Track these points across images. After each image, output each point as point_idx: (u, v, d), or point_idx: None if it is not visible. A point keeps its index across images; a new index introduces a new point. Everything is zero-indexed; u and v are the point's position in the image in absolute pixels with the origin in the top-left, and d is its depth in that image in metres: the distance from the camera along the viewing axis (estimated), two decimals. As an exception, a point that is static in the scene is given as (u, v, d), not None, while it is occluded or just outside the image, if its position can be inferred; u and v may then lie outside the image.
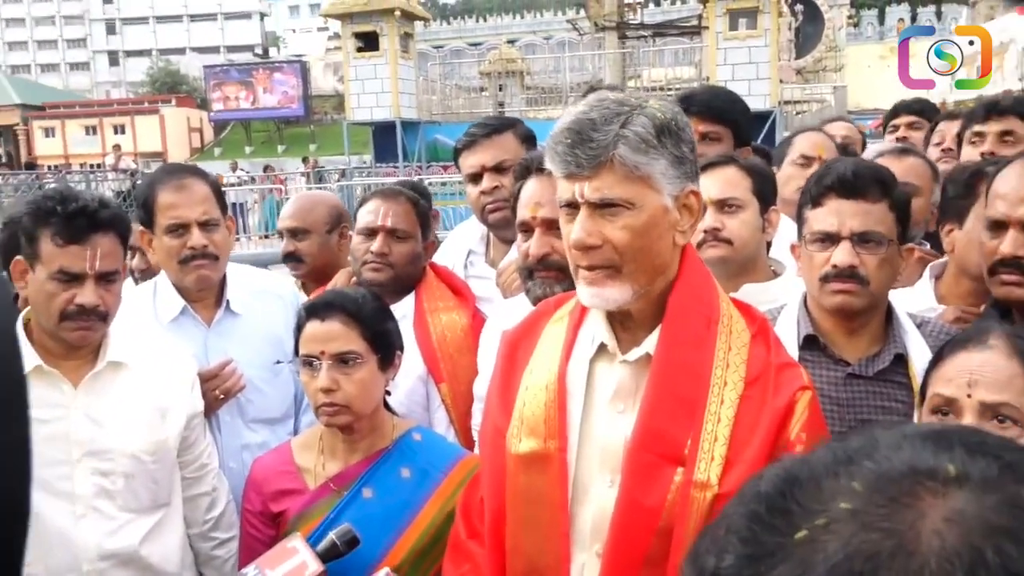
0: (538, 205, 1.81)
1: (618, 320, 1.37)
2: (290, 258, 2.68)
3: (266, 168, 22.64)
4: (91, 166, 26.18)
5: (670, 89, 17.73)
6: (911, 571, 0.40)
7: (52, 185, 13.33)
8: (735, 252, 1.98)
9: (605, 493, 1.32)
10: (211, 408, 2.07)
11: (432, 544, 1.73)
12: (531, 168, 1.86)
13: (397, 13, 19.06)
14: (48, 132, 37.91)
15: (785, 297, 1.83)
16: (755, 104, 16.41)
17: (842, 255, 1.62)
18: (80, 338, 1.79)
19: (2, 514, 0.46)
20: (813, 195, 1.70)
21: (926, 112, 3.67)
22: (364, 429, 1.81)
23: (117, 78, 62.27)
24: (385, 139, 19.98)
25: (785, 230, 2.14)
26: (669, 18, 29.17)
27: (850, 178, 1.64)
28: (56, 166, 29.91)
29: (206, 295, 2.19)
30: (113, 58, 63.79)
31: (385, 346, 1.82)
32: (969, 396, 1.34)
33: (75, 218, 1.73)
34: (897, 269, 1.69)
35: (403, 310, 2.07)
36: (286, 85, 34.91)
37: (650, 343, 1.34)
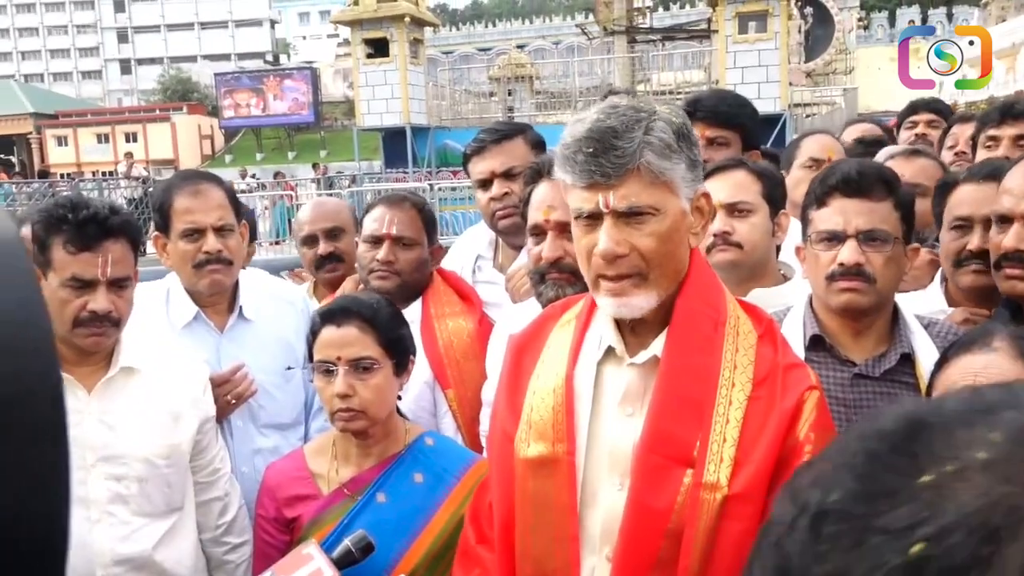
0: (551, 208, 1.82)
1: (626, 323, 1.37)
2: (330, 259, 2.63)
3: (276, 175, 22.73)
4: (103, 174, 26.36)
5: (679, 93, 17.73)
6: None
7: (65, 193, 13.43)
8: (745, 256, 1.98)
9: (614, 496, 1.32)
10: (223, 413, 2.08)
11: (446, 548, 1.73)
12: (542, 172, 1.86)
13: (407, 19, 19.16)
14: (61, 140, 38.20)
15: (795, 301, 1.83)
16: (765, 107, 16.45)
17: (848, 253, 1.63)
18: (93, 344, 1.81)
19: (49, 537, 0.46)
20: (818, 195, 1.70)
21: (943, 112, 3.63)
22: (378, 434, 1.82)
23: (129, 86, 62.65)
24: (395, 145, 20.07)
25: (795, 233, 2.13)
26: (678, 22, 29.19)
27: (855, 177, 1.65)
28: (69, 174, 30.17)
29: (219, 300, 2.20)
30: (125, 66, 64.19)
31: (400, 351, 1.83)
32: None
33: (86, 225, 1.75)
34: (903, 268, 1.69)
35: (410, 316, 2.08)
36: (296, 92, 35.09)
37: (658, 345, 1.34)
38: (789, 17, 17.63)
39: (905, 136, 3.55)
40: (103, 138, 37.78)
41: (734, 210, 1.99)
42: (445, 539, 1.75)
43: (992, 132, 2.66)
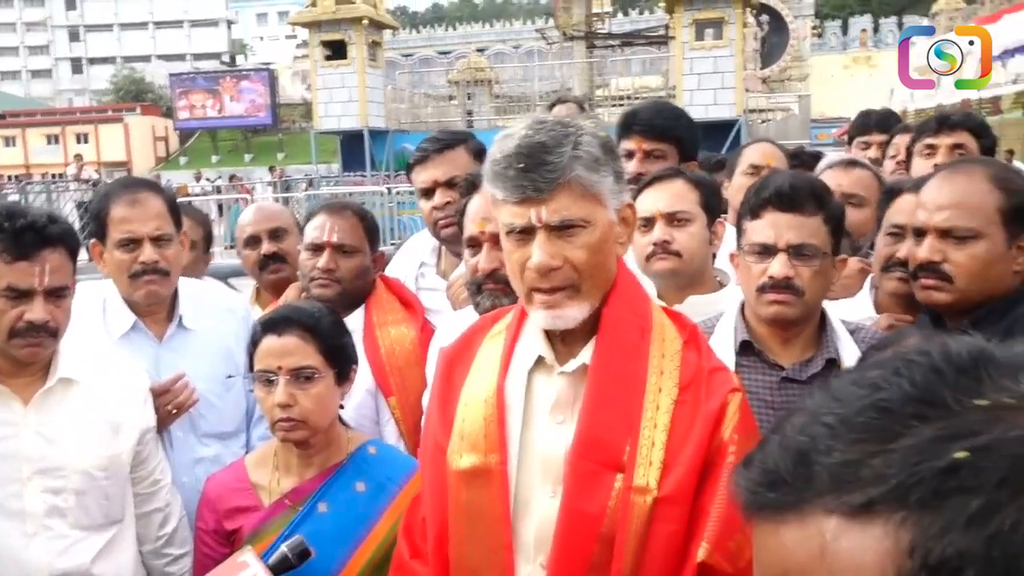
0: (485, 220, 1.83)
1: (555, 333, 1.39)
2: (274, 259, 2.61)
3: (232, 177, 22.42)
4: (53, 176, 25.77)
5: (637, 98, 17.90)
6: None
7: (12, 196, 13.10)
8: (684, 264, 2.02)
9: (548, 504, 1.34)
10: (164, 423, 2.06)
11: (388, 557, 1.73)
12: (477, 183, 1.87)
13: (365, 22, 19.06)
14: (8, 141, 37.28)
15: (729, 308, 1.88)
16: (720, 113, 16.71)
17: (779, 267, 1.68)
18: (30, 355, 1.78)
19: None
20: (752, 207, 1.75)
21: (892, 127, 3.67)
22: (320, 444, 1.82)
23: (80, 86, 61.33)
24: (353, 148, 19.94)
25: (731, 240, 2.18)
26: (637, 28, 29.49)
27: (787, 192, 1.70)
28: (17, 176, 29.40)
29: (157, 310, 2.17)
30: (76, 65, 62.85)
31: (342, 360, 1.83)
32: None
33: (23, 234, 1.72)
34: (830, 280, 1.75)
35: (352, 324, 2.08)
36: (253, 93, 34.70)
37: (586, 354, 1.36)
38: (744, 25, 17.92)
39: (854, 152, 3.60)
40: (53, 139, 36.95)
41: (673, 219, 2.03)
42: (388, 547, 1.74)
43: (929, 141, 2.75)
